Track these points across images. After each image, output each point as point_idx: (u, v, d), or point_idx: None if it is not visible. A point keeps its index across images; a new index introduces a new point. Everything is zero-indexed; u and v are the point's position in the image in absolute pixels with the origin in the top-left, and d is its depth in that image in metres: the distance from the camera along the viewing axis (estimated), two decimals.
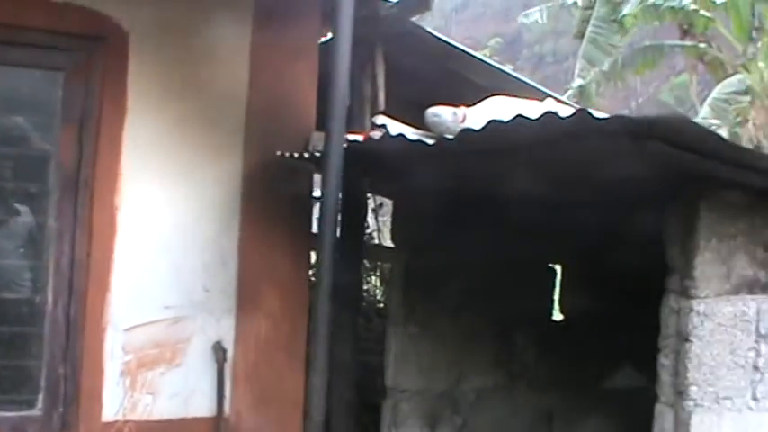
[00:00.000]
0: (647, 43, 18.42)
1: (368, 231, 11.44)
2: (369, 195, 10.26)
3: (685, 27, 16.51)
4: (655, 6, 15.40)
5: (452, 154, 4.38)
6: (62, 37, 5.83)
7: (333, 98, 5.12)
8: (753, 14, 15.39)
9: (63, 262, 5.82)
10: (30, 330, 5.82)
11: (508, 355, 7.16)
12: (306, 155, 5.69)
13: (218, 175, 6.21)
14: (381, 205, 11.79)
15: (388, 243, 8.48)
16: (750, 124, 15.09)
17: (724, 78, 15.40)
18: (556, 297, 7.67)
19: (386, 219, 10.79)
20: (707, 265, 4.39)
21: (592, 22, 15.92)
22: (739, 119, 14.95)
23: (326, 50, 5.67)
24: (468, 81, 7.49)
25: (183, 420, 6.09)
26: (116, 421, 5.92)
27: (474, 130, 3.77)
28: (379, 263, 11.51)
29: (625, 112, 35.74)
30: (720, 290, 4.45)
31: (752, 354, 4.55)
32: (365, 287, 11.34)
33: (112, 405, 5.90)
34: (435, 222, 6.36)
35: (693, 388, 4.34)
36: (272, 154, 6.04)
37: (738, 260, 4.52)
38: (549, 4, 20.74)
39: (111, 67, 5.89)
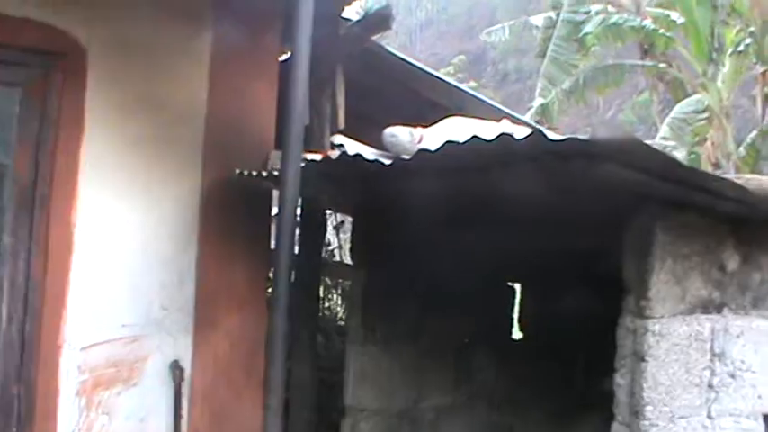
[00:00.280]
0: (610, 62, 18.59)
1: (329, 248, 11.44)
2: (330, 212, 10.27)
3: (646, 47, 16.67)
4: (616, 26, 15.56)
5: (409, 174, 4.38)
6: (19, 52, 5.77)
7: (290, 117, 5.11)
8: (712, 35, 15.58)
9: (18, 279, 5.75)
10: None
11: (467, 373, 7.17)
12: (264, 173, 5.67)
13: (177, 193, 6.19)
14: (343, 222, 11.79)
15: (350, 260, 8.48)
16: (709, 143, 15.25)
17: (684, 98, 15.55)
18: (515, 315, 7.70)
19: (347, 236, 10.78)
20: (662, 286, 4.41)
21: (553, 41, 16.04)
22: (698, 138, 15.10)
23: (286, 69, 5.66)
24: (428, 100, 7.51)
25: None
26: None
27: (430, 151, 3.77)
28: (340, 280, 11.50)
29: (588, 130, 36.06)
30: (675, 310, 4.47)
31: (707, 373, 4.58)
32: (326, 305, 11.34)
33: (67, 425, 5.83)
34: (394, 241, 6.36)
35: (649, 408, 4.35)
36: (230, 172, 6.02)
37: (693, 280, 4.55)
38: (512, 23, 20.88)
39: (69, 83, 5.84)
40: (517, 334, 7.82)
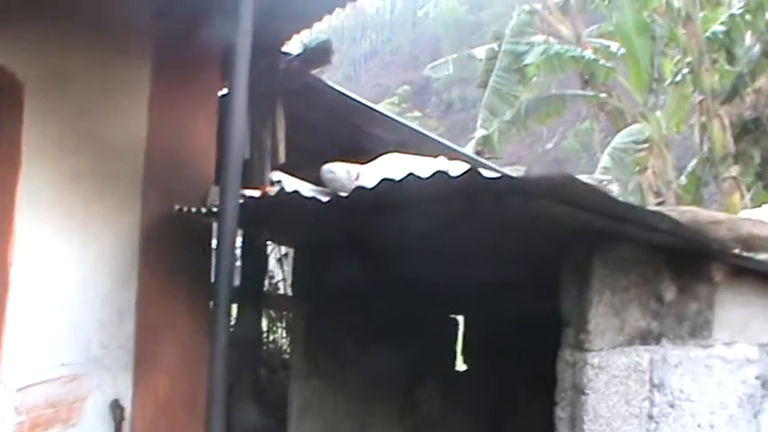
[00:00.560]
0: (553, 92, 18.79)
1: (273, 281, 11.40)
2: (273, 245, 10.24)
3: (587, 77, 16.88)
4: (557, 56, 15.74)
5: (347, 211, 4.38)
6: None
7: (229, 152, 5.08)
8: (652, 66, 15.81)
9: None
10: None
11: (412, 404, 7.17)
12: (203, 209, 5.64)
13: (116, 229, 6.13)
14: (287, 254, 11.75)
15: None
16: (650, 172, 15.44)
17: (624, 127, 15.75)
18: (459, 348, 7.71)
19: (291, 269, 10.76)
20: (601, 318, 4.43)
21: (495, 72, 16.18)
22: (639, 168, 15.29)
23: (226, 103, 5.64)
24: (369, 133, 7.52)
25: None
26: None
27: (367, 188, 3.77)
28: (284, 313, 11.46)
29: (531, 158, 36.33)
30: (614, 342, 4.50)
31: (646, 404, 4.60)
32: (271, 338, 11.28)
33: None
34: (335, 274, 6.34)
35: None
36: (170, 207, 5.98)
37: (632, 312, 4.58)
38: (455, 56, 21.05)
39: (5, 118, 5.76)
40: (461, 365, 7.83)
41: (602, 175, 14.48)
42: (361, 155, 5.79)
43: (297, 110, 7.02)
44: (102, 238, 6.06)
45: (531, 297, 5.71)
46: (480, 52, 18.23)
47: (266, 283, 9.86)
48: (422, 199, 3.73)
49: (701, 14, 15.90)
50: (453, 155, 7.22)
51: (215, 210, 5.38)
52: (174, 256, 6.22)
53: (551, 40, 17.12)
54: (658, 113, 16.06)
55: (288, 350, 11.02)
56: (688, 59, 15.65)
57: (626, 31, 15.57)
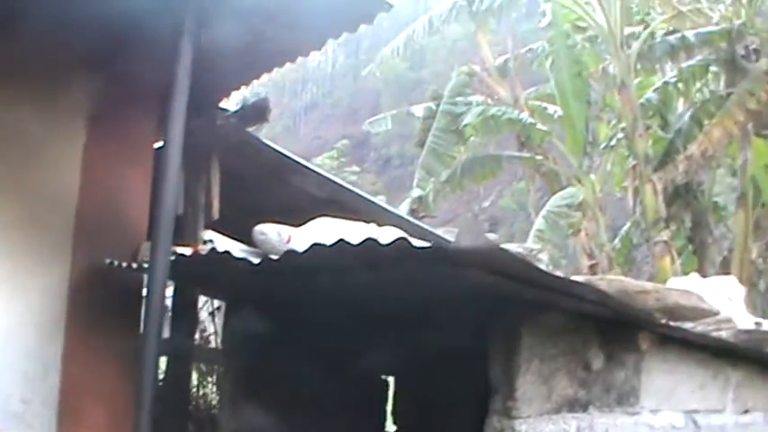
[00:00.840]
0: (490, 151, 18.98)
1: (205, 335, 11.28)
2: (206, 298, 10.16)
3: (523, 139, 17.10)
4: (494, 118, 15.94)
5: (277, 273, 4.38)
6: None
7: (161, 207, 5.06)
8: (587, 129, 16.06)
9: None
10: None
11: None
12: (135, 265, 5.59)
13: (45, 282, 6.02)
14: (219, 308, 11.65)
15: None
16: (583, 234, 15.63)
17: (559, 189, 15.95)
18: (389, 408, 7.68)
19: None
20: (528, 386, 4.46)
21: (432, 132, 16.31)
22: (572, 231, 15.47)
23: (159, 158, 5.62)
24: (304, 191, 7.52)
25: None
26: None
27: (297, 252, 3.78)
28: (215, 367, 11.32)
29: (468, 216, 36.56)
30: (542, 409, 4.52)
31: None
32: (201, 392, 11.13)
33: None
34: (266, 332, 6.31)
35: None
36: (101, 262, 5.90)
37: (559, 380, 4.61)
38: (394, 112, 21.21)
39: None
40: (391, 426, 7.79)
41: (538, 235, 14.62)
42: (296, 212, 5.79)
43: (233, 166, 7.01)
44: (29, 291, 5.95)
45: (461, 361, 5.72)
46: (419, 110, 18.38)
47: (197, 336, 9.76)
48: (351, 265, 3.75)
49: (636, 81, 16.22)
50: (387, 216, 7.28)
51: (146, 265, 5.34)
52: (103, 310, 6.12)
53: (489, 101, 17.34)
54: (593, 176, 16.31)
55: (217, 406, 10.90)
56: (622, 125, 15.94)
57: (563, 95, 15.84)
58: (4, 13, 5.39)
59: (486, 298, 4.14)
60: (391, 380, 7.72)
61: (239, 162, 7.09)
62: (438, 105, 16.73)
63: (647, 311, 4.67)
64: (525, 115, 16.34)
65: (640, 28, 16.42)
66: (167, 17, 5.29)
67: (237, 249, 4.94)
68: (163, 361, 7.48)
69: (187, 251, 5.21)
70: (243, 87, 7.21)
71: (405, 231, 5.27)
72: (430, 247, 3.19)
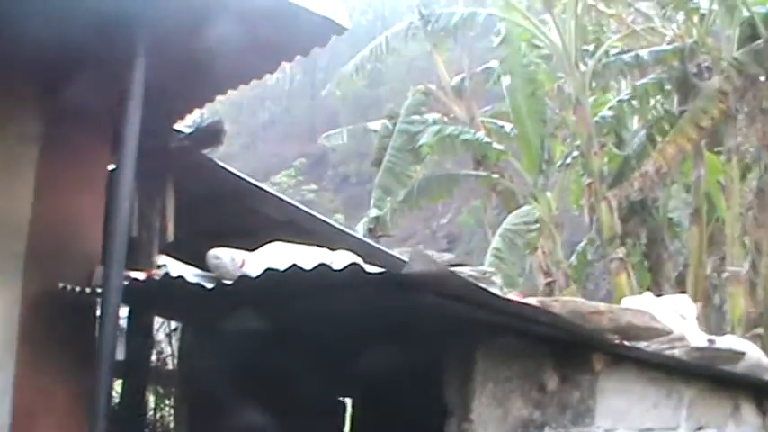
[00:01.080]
0: (448, 168, 19.03)
1: (162, 356, 11.19)
2: (163, 320, 10.08)
3: (479, 158, 17.17)
4: (450, 138, 15.99)
5: (231, 297, 4.37)
6: None
7: (114, 231, 5.02)
8: (542, 148, 16.17)
9: None
10: None
11: None
12: (88, 289, 5.54)
13: None
14: (177, 330, 11.56)
15: None
16: (540, 252, 15.71)
17: (516, 208, 16.02)
18: (346, 429, 7.68)
19: None
20: (484, 408, 4.48)
21: (389, 151, 16.31)
22: (528, 250, 15.54)
23: (112, 181, 5.59)
24: (260, 213, 7.49)
25: None
26: None
27: (251, 277, 3.78)
28: (173, 389, 11.24)
29: (426, 233, 36.60)
30: (498, 431, 4.54)
31: None
32: (158, 415, 11.04)
33: None
34: (221, 355, 6.29)
35: None
36: (54, 286, 5.83)
37: (514, 402, 4.64)
38: (351, 127, 21.23)
39: None
40: None
41: (495, 254, 14.66)
42: (252, 235, 5.78)
43: (188, 189, 6.97)
44: None
45: (418, 384, 5.73)
46: (376, 125, 18.40)
47: (154, 358, 9.68)
48: (303, 290, 3.75)
49: (591, 99, 16.36)
50: (343, 238, 7.28)
51: (99, 289, 5.29)
52: (56, 335, 6.05)
53: (446, 120, 17.40)
54: (549, 195, 16.41)
55: (174, 429, 10.82)
56: (578, 143, 16.06)
57: (518, 114, 15.94)
58: None
59: (441, 321, 4.16)
60: (348, 401, 7.71)
61: (194, 184, 7.05)
62: (395, 124, 16.76)
63: (600, 332, 4.71)
64: (481, 134, 16.42)
65: (594, 46, 16.58)
66: (120, 40, 5.27)
67: (191, 274, 4.92)
68: (119, 384, 7.43)
69: (141, 275, 5.18)
70: (198, 109, 7.18)
71: (361, 253, 5.29)
72: (381, 273, 3.21)
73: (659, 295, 11.67)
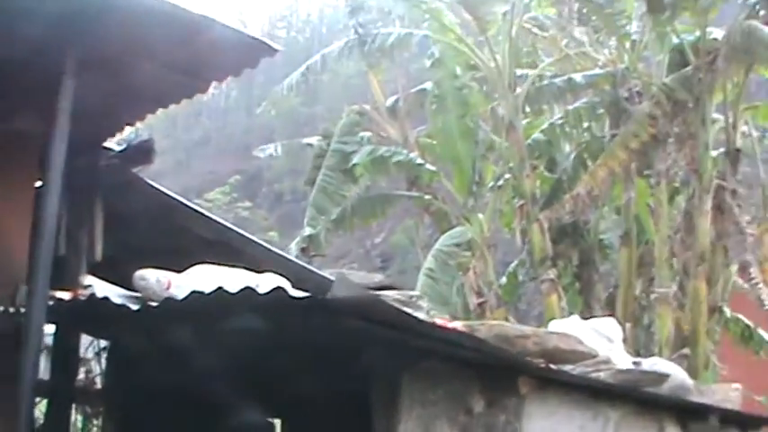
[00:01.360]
0: (382, 186, 19.04)
1: (90, 375, 11.04)
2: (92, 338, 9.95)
3: (412, 179, 17.20)
4: (383, 158, 16.00)
5: (157, 318, 4.34)
6: None
7: (39, 250, 4.97)
8: (473, 169, 16.23)
9: None
10: None
11: None
12: (11, 309, 5.46)
13: None
14: (105, 348, 11.41)
15: None
16: (471, 273, 15.76)
17: (448, 228, 16.06)
18: None
19: None
20: None
21: (323, 171, 16.27)
22: (461, 271, 15.58)
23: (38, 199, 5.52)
24: (190, 233, 7.43)
25: None
26: None
27: (176, 300, 3.76)
28: (101, 409, 11.08)
29: (360, 251, 36.60)
30: None
31: None
32: None
33: None
34: (150, 374, 6.23)
35: None
36: None
37: (441, 425, 4.66)
38: (286, 143, 21.17)
39: None
40: None
41: (428, 274, 14.67)
42: (182, 254, 5.74)
43: (117, 207, 6.89)
44: None
45: (346, 406, 5.73)
46: (312, 141, 18.35)
47: (82, 377, 9.55)
48: (230, 313, 3.74)
49: (524, 122, 16.48)
50: (273, 258, 7.26)
51: (23, 309, 5.22)
52: None
53: (380, 139, 17.40)
54: (481, 216, 16.48)
55: None
56: (510, 165, 16.16)
57: (450, 135, 15.99)
58: None
59: (367, 345, 4.17)
60: (278, 422, 7.68)
61: (124, 203, 6.98)
62: (329, 144, 16.74)
63: (525, 356, 4.75)
64: (414, 155, 16.46)
65: (528, 70, 16.72)
66: (49, 58, 5.23)
67: (117, 295, 4.87)
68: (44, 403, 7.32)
69: (66, 296, 5.12)
70: (129, 127, 7.13)
71: (291, 274, 5.28)
72: (306, 298, 3.21)
73: (590, 316, 11.78)
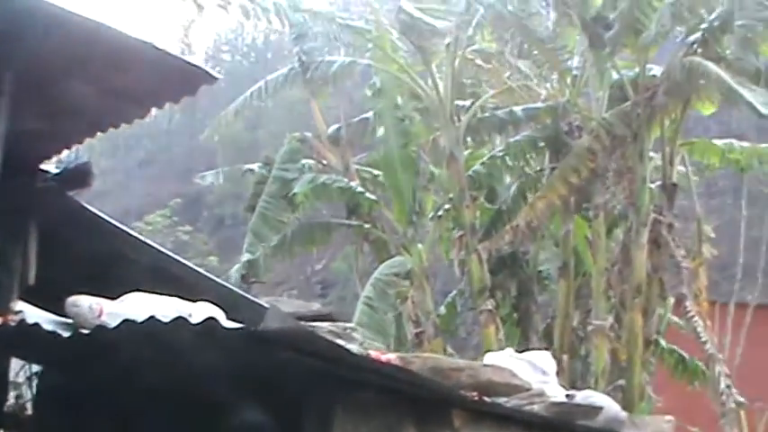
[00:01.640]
0: (324, 214, 19.05)
1: (20, 401, 10.87)
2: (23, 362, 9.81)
3: (351, 207, 17.21)
4: (324, 186, 16.01)
5: (88, 346, 4.31)
6: None
7: None
8: (414, 199, 16.28)
9: None
10: None
11: None
12: None
13: None
14: (37, 373, 11.24)
15: None
16: (410, 302, 15.78)
17: (387, 258, 16.08)
18: None
19: None
20: None
21: (263, 197, 16.23)
22: (399, 300, 15.59)
23: None
24: (127, 258, 7.36)
25: None
26: None
27: (108, 328, 3.74)
28: None
29: (301, 278, 36.50)
30: None
31: None
32: None
33: None
34: (80, 401, 6.15)
35: None
36: None
37: None
38: (227, 169, 21.08)
39: None
40: None
41: (366, 302, 14.66)
42: (117, 280, 5.69)
43: (53, 231, 6.81)
44: None
45: None
46: (254, 167, 18.29)
47: (12, 401, 9.40)
48: (162, 343, 3.72)
49: (466, 153, 16.57)
50: (209, 285, 7.22)
51: None
52: None
53: (321, 166, 17.42)
54: (420, 246, 16.53)
55: None
56: (450, 195, 16.24)
57: (390, 165, 16.03)
58: None
59: (300, 376, 4.16)
60: None
61: (60, 227, 6.90)
62: (270, 170, 16.70)
63: (459, 389, 4.77)
64: (355, 183, 16.49)
65: (471, 101, 16.84)
66: None
67: (48, 321, 4.82)
68: None
69: None
70: (66, 150, 7.07)
71: (227, 302, 5.26)
72: (238, 329, 3.21)
73: (527, 347, 11.84)
